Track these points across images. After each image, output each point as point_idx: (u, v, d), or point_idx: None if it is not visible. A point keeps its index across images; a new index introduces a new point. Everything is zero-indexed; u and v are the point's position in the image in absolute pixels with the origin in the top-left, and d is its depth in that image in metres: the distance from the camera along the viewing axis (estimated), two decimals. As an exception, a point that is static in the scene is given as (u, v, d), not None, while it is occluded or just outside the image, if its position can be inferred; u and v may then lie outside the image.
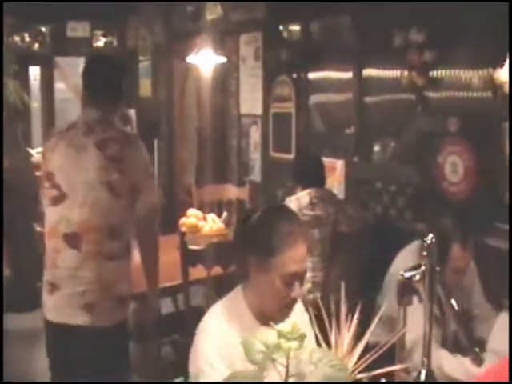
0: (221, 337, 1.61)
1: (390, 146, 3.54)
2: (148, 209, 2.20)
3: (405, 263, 2.38)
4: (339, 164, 3.85)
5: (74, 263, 2.13)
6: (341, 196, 3.79)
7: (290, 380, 0.88)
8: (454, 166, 3.06)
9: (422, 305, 2.16)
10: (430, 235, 1.27)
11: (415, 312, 2.13)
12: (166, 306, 3.74)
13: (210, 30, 4.93)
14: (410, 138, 3.37)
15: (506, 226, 2.72)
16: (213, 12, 4.86)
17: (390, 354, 1.39)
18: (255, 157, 4.73)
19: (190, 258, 2.61)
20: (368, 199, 3.63)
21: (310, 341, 1.77)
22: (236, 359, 1.50)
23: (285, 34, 4.24)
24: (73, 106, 6.95)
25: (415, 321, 2.10)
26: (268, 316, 1.65)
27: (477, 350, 1.41)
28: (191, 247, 2.64)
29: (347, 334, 1.10)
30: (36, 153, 6.18)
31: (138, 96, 6.76)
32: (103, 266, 2.15)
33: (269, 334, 0.92)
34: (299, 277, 1.63)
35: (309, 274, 3.19)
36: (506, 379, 0.97)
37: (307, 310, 1.83)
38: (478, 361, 1.43)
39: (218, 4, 4.75)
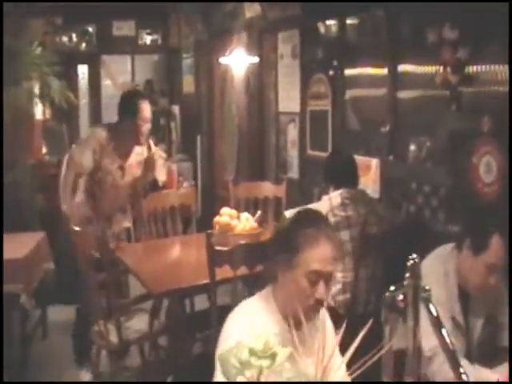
0: (247, 329, 1.65)
1: (425, 146, 3.48)
2: None
3: (430, 270, 2.31)
4: (374, 162, 3.80)
5: None
6: (375, 195, 3.75)
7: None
8: (488, 167, 2.98)
9: (442, 317, 2.13)
10: (414, 255, 1.24)
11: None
12: (202, 303, 3.80)
13: (249, 27, 4.97)
14: (444, 137, 3.30)
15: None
16: (251, 10, 4.88)
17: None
18: (293, 154, 4.73)
19: (216, 257, 2.65)
20: (402, 199, 3.58)
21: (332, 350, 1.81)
22: None
23: (321, 31, 4.21)
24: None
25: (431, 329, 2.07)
26: (293, 317, 1.67)
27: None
28: (218, 248, 2.67)
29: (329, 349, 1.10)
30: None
31: (182, 92, 6.86)
32: None
33: (243, 351, 0.94)
34: (323, 277, 1.71)
35: (339, 275, 3.18)
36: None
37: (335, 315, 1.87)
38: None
39: (255, 3, 4.76)
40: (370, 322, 1.11)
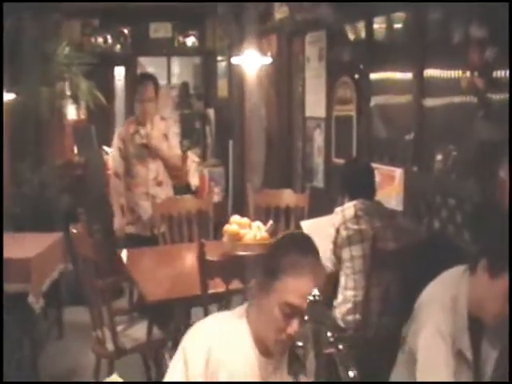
0: (208, 340, 1.59)
1: (451, 155, 3.22)
2: None
3: (435, 296, 2.01)
4: (398, 173, 3.57)
5: None
6: (399, 207, 3.52)
7: None
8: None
9: (445, 351, 1.89)
10: (316, 290, 1.01)
11: (433, 356, 1.88)
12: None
13: (278, 29, 4.82)
14: (471, 146, 3.04)
15: None
16: (280, 12, 4.73)
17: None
18: (318, 162, 4.54)
19: (208, 269, 2.49)
20: (425, 213, 3.33)
21: None
22: (218, 368, 1.56)
23: (348, 33, 4.01)
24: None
25: (432, 365, 1.86)
26: (264, 344, 1.60)
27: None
28: (210, 258, 2.51)
29: None
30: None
31: (217, 96, 6.75)
32: None
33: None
34: (299, 313, 1.50)
35: (350, 293, 2.97)
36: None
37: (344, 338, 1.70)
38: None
39: (284, 4, 4.61)
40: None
